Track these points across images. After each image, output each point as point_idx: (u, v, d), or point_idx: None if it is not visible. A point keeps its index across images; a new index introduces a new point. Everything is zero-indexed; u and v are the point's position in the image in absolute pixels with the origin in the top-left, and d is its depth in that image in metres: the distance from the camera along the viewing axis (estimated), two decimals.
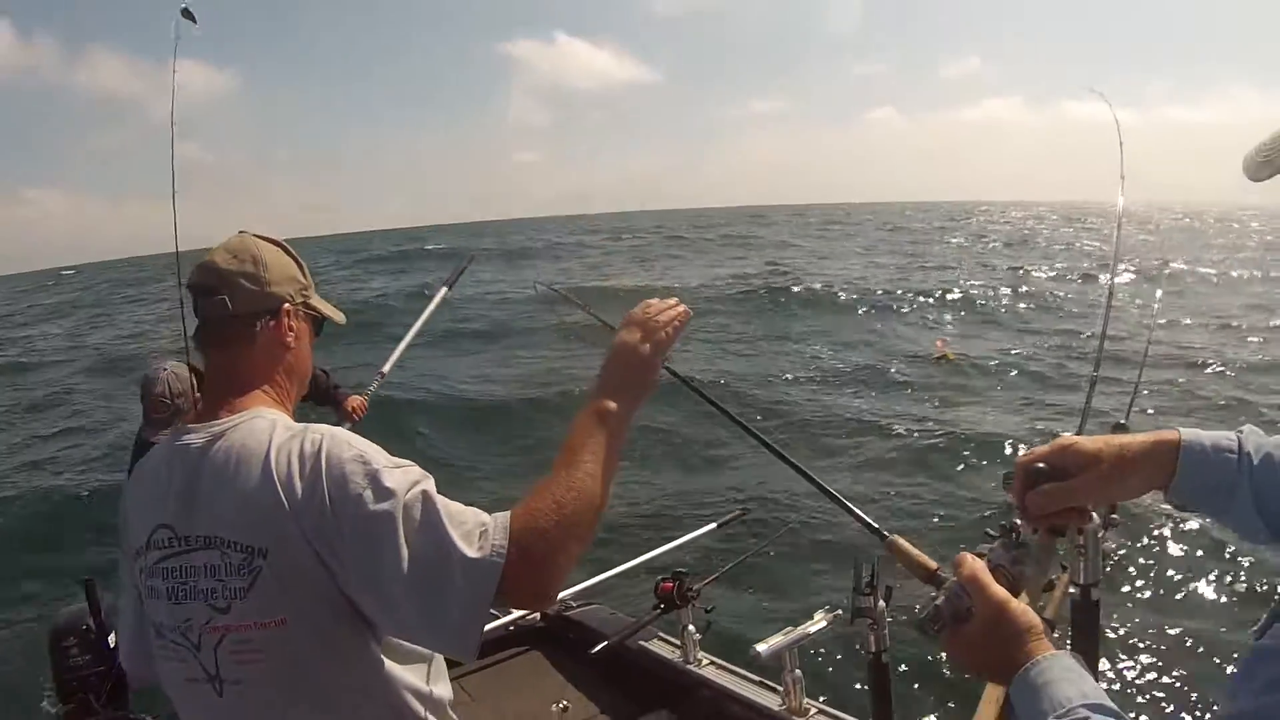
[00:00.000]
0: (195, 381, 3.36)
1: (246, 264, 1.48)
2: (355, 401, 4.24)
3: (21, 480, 9.93)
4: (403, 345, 4.15)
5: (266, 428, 1.37)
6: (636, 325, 1.43)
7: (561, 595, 3.62)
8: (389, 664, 1.36)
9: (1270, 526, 1.05)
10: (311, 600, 1.29)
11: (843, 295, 19.09)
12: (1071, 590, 2.22)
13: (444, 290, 4.36)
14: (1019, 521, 1.12)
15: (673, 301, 1.48)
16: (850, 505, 1.35)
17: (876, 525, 1.25)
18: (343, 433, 1.36)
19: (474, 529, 1.24)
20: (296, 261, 1.58)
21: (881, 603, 2.35)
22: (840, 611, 3.20)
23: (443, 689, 1.47)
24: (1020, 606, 1.00)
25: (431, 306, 4.27)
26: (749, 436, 1.56)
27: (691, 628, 3.17)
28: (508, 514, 1.26)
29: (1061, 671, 0.93)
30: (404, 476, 1.28)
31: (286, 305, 1.51)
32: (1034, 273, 23.87)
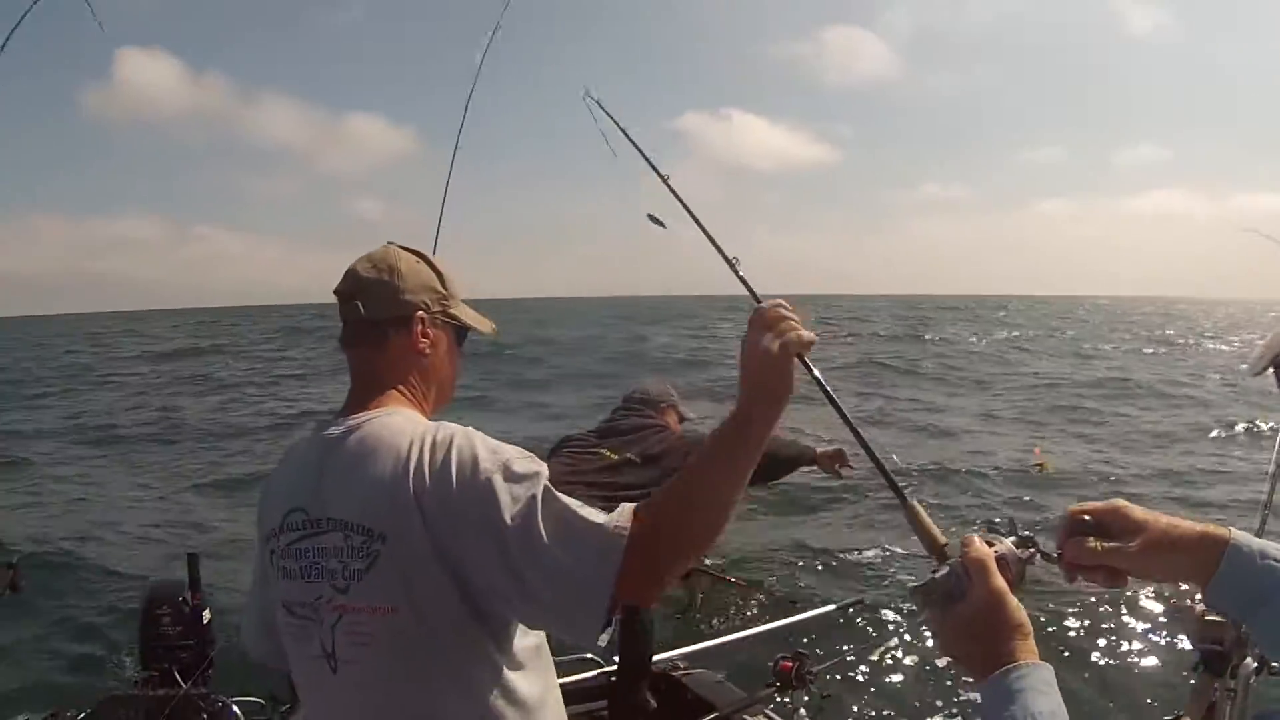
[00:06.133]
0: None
1: (383, 273, 1.57)
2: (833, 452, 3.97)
3: None
4: None
5: (401, 422, 1.45)
6: (760, 325, 1.37)
7: (670, 655, 3.60)
8: (501, 674, 1.42)
9: None
10: (424, 593, 1.35)
11: None
12: None
13: None
14: (1039, 540, 1.13)
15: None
16: (879, 459, 1.30)
17: (901, 487, 1.23)
18: (474, 431, 1.44)
19: (598, 513, 1.33)
20: (437, 272, 1.63)
21: None
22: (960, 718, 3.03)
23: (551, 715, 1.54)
24: (1015, 603, 1.01)
25: None
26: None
27: (803, 711, 3.11)
28: (631, 505, 1.34)
29: (1041, 683, 0.93)
30: (533, 465, 1.38)
31: (420, 313, 1.57)
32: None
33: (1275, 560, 1.07)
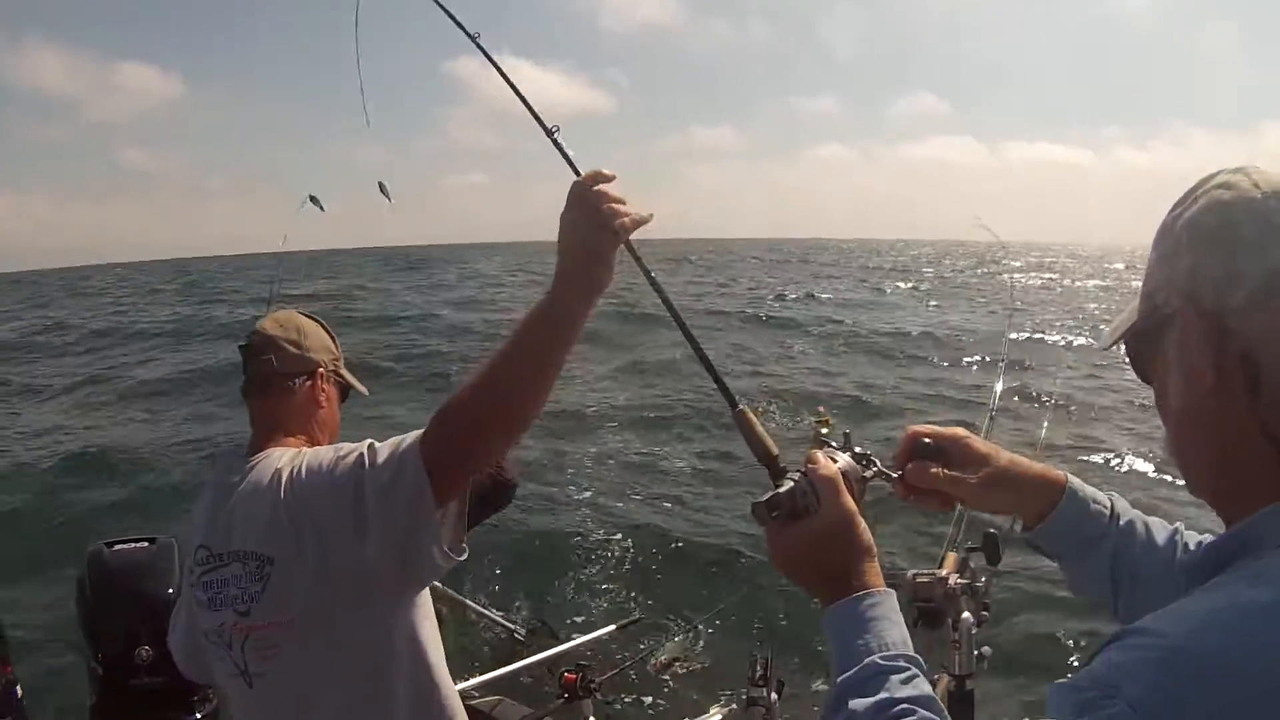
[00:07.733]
0: None
1: (290, 332, 1.81)
2: None
3: None
4: None
5: (278, 456, 1.63)
6: (582, 205, 1.32)
7: (463, 686, 3.63)
8: (398, 654, 1.61)
9: (1115, 588, 1.10)
10: (314, 601, 1.53)
11: None
12: (948, 681, 2.28)
13: None
14: (877, 462, 1.10)
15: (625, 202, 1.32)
16: (714, 368, 1.21)
17: (732, 392, 1.17)
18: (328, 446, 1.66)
19: None
20: (331, 336, 1.90)
21: (774, 695, 2.50)
22: (734, 706, 3.32)
23: (449, 683, 1.71)
24: (864, 524, 0.97)
25: None
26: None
27: (592, 719, 3.24)
28: None
29: (891, 611, 0.92)
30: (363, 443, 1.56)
31: (320, 369, 1.82)
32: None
33: (1103, 507, 1.11)
